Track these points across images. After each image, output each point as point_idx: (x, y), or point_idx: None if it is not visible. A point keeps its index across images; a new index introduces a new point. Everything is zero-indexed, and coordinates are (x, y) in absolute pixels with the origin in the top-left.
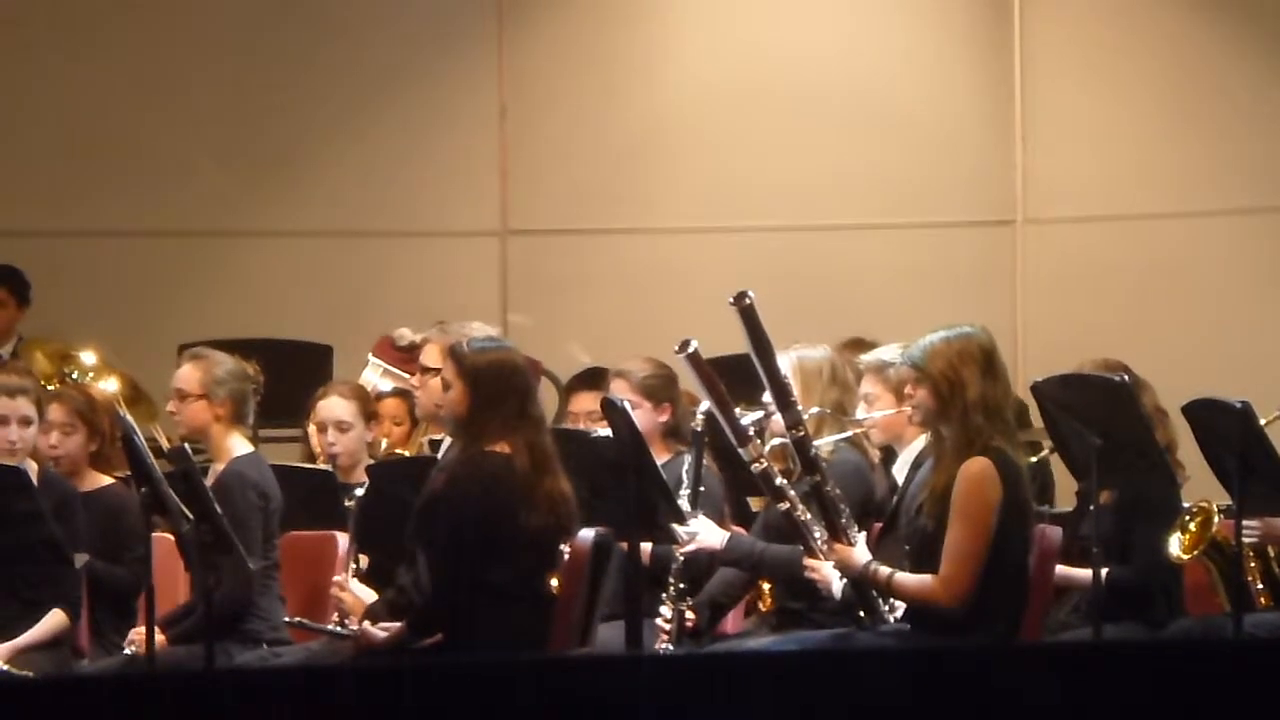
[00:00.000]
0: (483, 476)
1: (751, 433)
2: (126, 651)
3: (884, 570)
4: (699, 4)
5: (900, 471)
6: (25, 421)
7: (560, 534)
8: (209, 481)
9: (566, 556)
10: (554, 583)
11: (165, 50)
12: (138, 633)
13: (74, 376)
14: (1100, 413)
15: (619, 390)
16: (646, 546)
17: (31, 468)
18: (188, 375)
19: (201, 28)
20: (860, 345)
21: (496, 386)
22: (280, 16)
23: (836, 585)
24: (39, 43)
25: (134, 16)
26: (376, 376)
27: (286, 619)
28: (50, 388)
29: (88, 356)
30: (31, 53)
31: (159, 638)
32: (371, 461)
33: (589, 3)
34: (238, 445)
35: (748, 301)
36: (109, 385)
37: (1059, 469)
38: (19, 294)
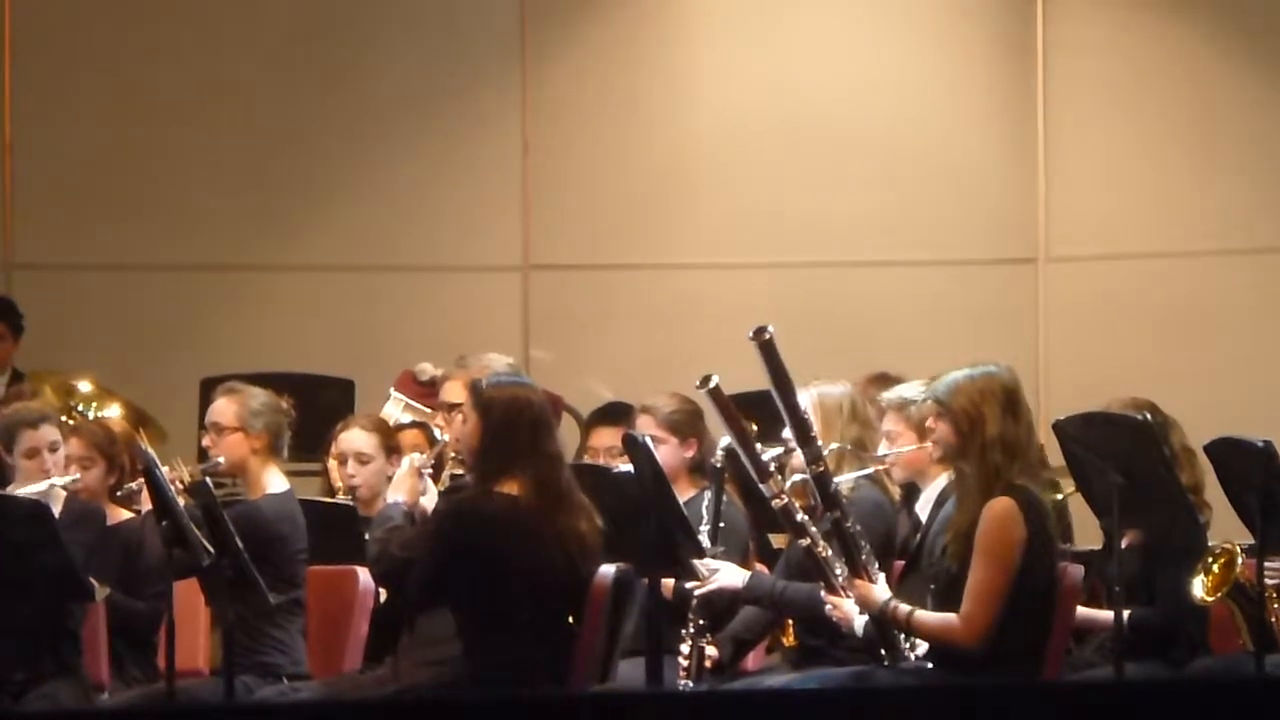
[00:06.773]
0: (476, 520)
1: (772, 468)
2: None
3: (904, 608)
4: (722, 41)
5: (923, 509)
6: (54, 447)
7: (575, 572)
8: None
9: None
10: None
11: (185, 84)
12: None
13: (79, 408)
14: (1122, 451)
15: (645, 426)
16: (668, 582)
17: (58, 497)
18: (223, 409)
19: (222, 61)
20: (885, 380)
21: (507, 419)
22: (302, 51)
23: (858, 622)
24: (58, 76)
25: (152, 51)
26: (398, 411)
27: None
28: (68, 421)
29: (84, 385)
30: (52, 86)
31: None
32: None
33: (612, 39)
34: (273, 480)
35: (767, 336)
36: (110, 411)
37: (1082, 508)
38: (14, 327)
